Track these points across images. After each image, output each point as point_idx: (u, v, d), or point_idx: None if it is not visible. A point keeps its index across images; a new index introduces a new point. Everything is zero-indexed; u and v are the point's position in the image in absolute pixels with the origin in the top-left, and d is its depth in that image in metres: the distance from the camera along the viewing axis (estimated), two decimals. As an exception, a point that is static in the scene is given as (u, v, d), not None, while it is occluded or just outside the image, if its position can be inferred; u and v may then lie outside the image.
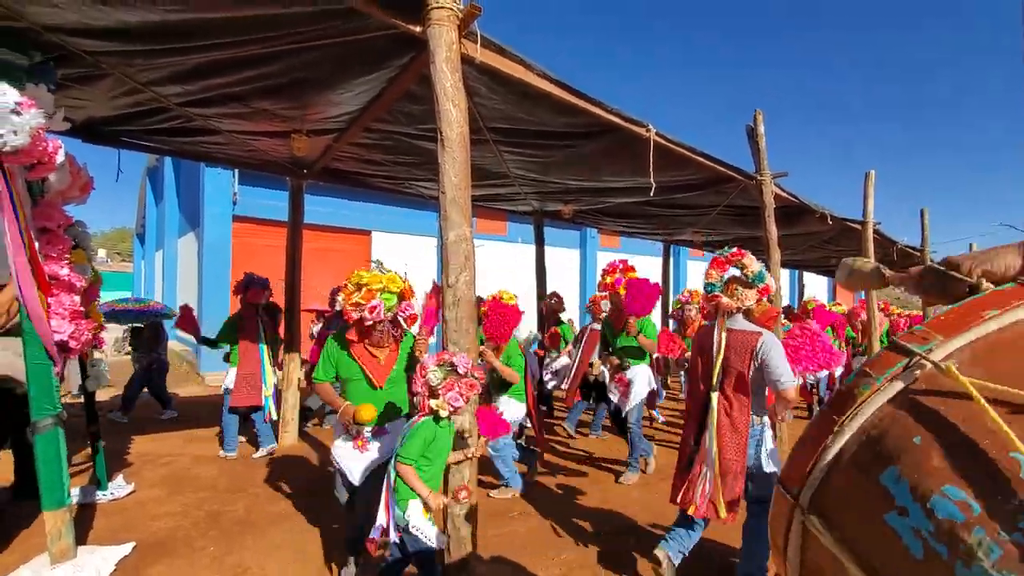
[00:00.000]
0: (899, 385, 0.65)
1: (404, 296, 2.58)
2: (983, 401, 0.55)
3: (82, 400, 3.93)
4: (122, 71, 3.13)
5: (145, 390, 6.31)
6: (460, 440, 2.39)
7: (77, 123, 3.83)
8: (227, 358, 5.02)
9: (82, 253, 3.15)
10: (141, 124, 4.12)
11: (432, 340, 2.92)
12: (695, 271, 17.60)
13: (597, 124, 3.80)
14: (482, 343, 3.72)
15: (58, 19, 2.57)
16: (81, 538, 2.96)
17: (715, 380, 2.47)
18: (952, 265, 0.79)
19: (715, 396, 2.46)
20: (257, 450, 4.91)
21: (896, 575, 0.56)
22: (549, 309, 6.10)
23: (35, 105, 2.40)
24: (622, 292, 4.15)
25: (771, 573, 2.51)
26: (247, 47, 2.88)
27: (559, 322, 6.62)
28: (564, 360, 6.52)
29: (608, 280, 4.28)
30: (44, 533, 2.63)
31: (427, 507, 2.06)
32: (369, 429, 2.59)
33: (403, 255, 11.07)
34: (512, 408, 3.85)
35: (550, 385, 6.02)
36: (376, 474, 2.64)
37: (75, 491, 3.51)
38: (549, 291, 6.97)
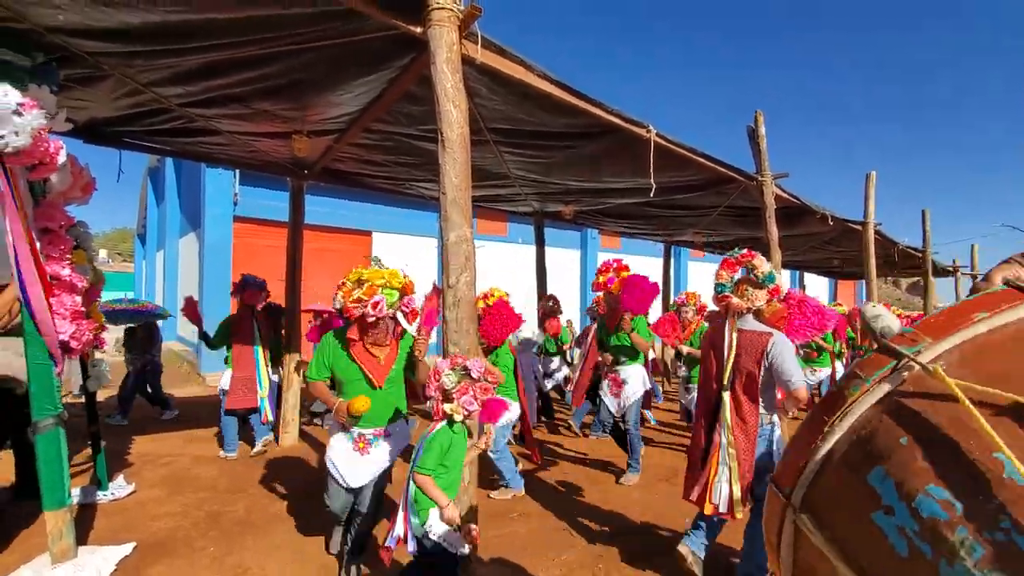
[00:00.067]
0: (887, 387, 0.66)
1: (406, 291, 2.53)
2: (968, 403, 0.56)
3: (83, 400, 3.94)
4: (123, 72, 3.14)
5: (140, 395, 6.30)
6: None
7: (79, 124, 3.84)
8: (227, 360, 5.03)
9: (83, 253, 3.16)
10: (143, 125, 4.13)
11: (432, 340, 2.91)
12: (696, 272, 17.61)
13: (597, 125, 3.81)
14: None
15: (60, 20, 2.58)
16: (82, 538, 2.97)
17: (726, 379, 2.50)
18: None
19: (726, 395, 2.50)
20: (253, 448, 4.91)
21: (883, 573, 0.57)
22: (546, 311, 6.12)
23: (37, 106, 2.41)
24: (615, 291, 4.15)
25: (771, 574, 2.51)
26: (247, 48, 2.89)
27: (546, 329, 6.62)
28: (556, 362, 6.53)
29: (601, 279, 4.28)
30: (45, 533, 2.64)
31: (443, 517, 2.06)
32: (371, 431, 2.57)
33: (403, 255, 11.07)
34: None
35: (548, 386, 6.03)
36: (376, 480, 2.63)
37: (76, 491, 3.52)
38: (549, 292, 6.97)
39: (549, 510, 3.70)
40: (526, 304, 6.31)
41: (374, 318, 2.43)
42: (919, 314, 10.34)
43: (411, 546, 2.08)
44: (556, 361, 6.56)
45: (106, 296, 5.30)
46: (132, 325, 6.26)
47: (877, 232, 7.25)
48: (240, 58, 3.00)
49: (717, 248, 10.05)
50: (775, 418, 2.55)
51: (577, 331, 8.63)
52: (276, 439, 5.29)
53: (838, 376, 5.68)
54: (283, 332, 5.35)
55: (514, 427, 4.28)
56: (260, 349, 4.89)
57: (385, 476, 2.68)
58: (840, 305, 7.93)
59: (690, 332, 5.02)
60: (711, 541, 2.68)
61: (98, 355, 3.98)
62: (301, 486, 4.05)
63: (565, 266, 14.60)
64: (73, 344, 2.76)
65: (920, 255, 9.44)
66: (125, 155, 4.51)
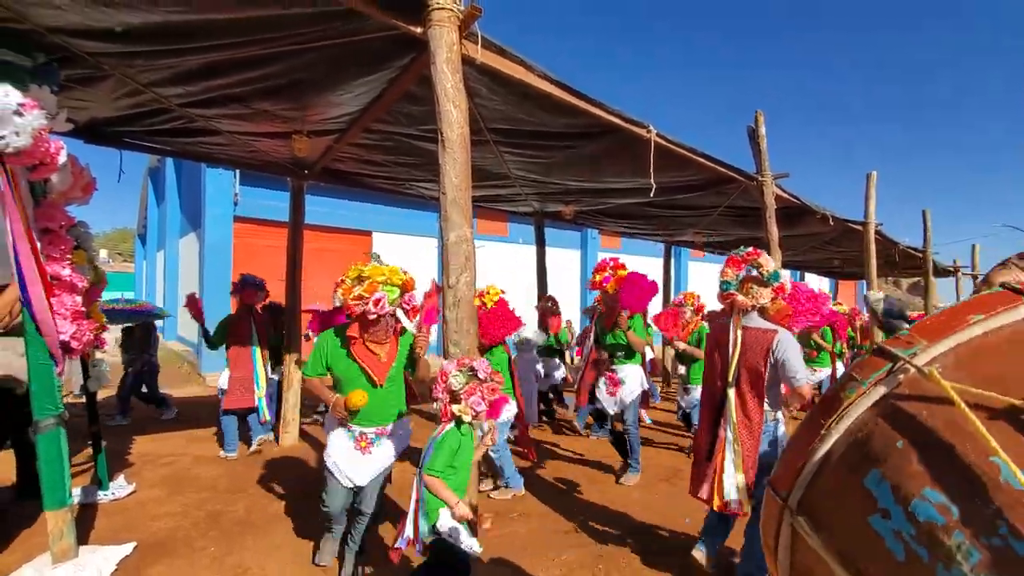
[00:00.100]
0: (883, 389, 0.66)
1: (406, 288, 2.52)
2: (964, 406, 0.56)
3: (83, 400, 3.94)
4: (123, 72, 3.14)
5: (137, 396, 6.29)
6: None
7: (80, 124, 3.84)
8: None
9: (83, 254, 3.16)
10: (143, 125, 4.13)
11: (432, 339, 2.91)
12: (696, 272, 17.60)
13: (598, 125, 3.81)
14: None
15: (61, 20, 2.58)
16: (82, 538, 2.97)
17: (731, 376, 2.52)
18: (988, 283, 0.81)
19: (731, 392, 2.52)
20: (250, 447, 4.92)
21: (879, 575, 0.57)
22: (543, 311, 6.12)
23: (38, 106, 2.41)
24: (610, 290, 4.15)
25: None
26: (247, 48, 2.89)
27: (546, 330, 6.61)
28: (555, 363, 6.52)
29: (597, 278, 4.28)
30: (46, 533, 2.64)
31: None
32: (373, 430, 2.56)
33: (403, 256, 11.08)
34: None
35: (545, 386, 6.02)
36: (377, 479, 2.63)
37: (76, 491, 3.52)
38: (548, 294, 6.97)
39: (549, 510, 3.70)
40: (527, 304, 6.32)
41: (375, 315, 2.41)
42: (920, 314, 10.33)
43: (420, 548, 2.08)
44: (555, 362, 6.56)
45: (105, 296, 5.30)
46: (129, 325, 6.26)
47: (878, 232, 7.25)
48: (240, 58, 3.00)
49: (717, 248, 10.05)
50: (779, 415, 2.57)
51: (577, 331, 8.62)
52: (276, 439, 5.30)
53: (838, 376, 5.69)
54: (283, 331, 5.35)
55: (512, 426, 4.28)
56: (258, 349, 4.89)
57: (386, 475, 2.68)
58: (840, 304, 7.93)
59: (688, 332, 5.02)
60: (720, 544, 2.70)
61: (98, 355, 3.98)
62: (301, 486, 4.05)
63: (565, 266, 14.60)
64: (74, 344, 2.76)
65: (921, 255, 9.43)
66: (125, 155, 4.51)
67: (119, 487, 3.86)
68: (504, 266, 12.58)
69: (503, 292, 4.08)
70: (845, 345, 7.23)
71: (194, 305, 4.71)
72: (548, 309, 6.05)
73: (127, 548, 2.98)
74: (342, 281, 2.48)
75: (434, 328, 2.71)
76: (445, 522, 2.03)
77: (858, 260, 7.93)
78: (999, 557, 0.47)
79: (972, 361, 0.62)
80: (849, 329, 7.41)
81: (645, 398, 4.52)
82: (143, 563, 2.88)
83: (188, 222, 12.83)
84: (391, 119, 3.94)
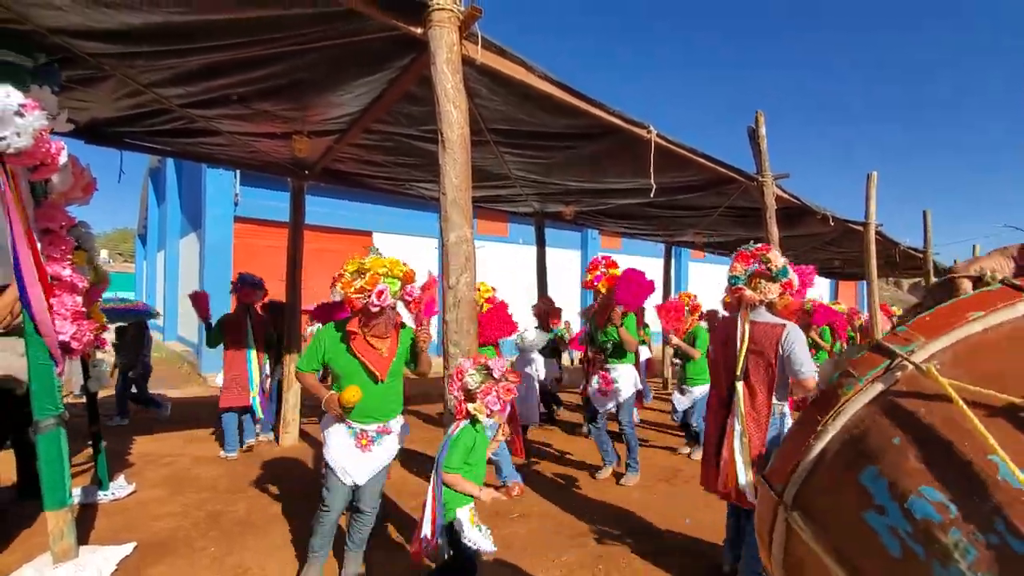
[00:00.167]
0: (880, 386, 0.66)
1: (407, 280, 2.48)
2: (962, 403, 0.55)
3: (84, 400, 3.94)
4: (124, 73, 3.15)
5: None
6: None
7: (80, 124, 3.85)
8: None
9: (83, 254, 3.17)
10: (144, 125, 4.14)
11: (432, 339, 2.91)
12: (696, 273, 17.60)
13: (598, 125, 3.81)
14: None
15: (62, 21, 2.59)
16: (83, 538, 2.97)
17: (739, 370, 2.54)
18: (953, 271, 0.81)
19: (740, 385, 2.55)
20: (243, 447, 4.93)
21: (875, 572, 0.57)
22: (545, 311, 6.13)
23: (39, 107, 2.42)
24: (602, 288, 4.16)
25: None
26: (248, 49, 2.89)
27: (548, 328, 6.61)
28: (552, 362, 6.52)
29: (589, 277, 4.29)
30: (46, 533, 2.64)
31: (475, 514, 2.10)
32: (374, 428, 2.52)
33: (403, 256, 11.06)
34: None
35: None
36: (378, 476, 2.61)
37: (77, 491, 3.52)
38: (548, 294, 6.97)
39: (549, 510, 3.70)
40: (527, 305, 6.32)
41: (378, 307, 2.36)
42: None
43: (433, 546, 2.10)
44: (552, 362, 6.56)
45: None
46: (123, 324, 6.23)
47: (878, 233, 7.24)
48: (241, 59, 3.00)
49: (718, 249, 10.05)
50: (785, 408, 2.59)
51: (575, 331, 8.61)
52: (276, 439, 5.30)
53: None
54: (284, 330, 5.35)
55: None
56: (253, 348, 4.90)
57: (385, 473, 2.66)
58: (839, 304, 7.93)
59: (683, 331, 5.05)
60: (740, 549, 2.72)
61: (100, 355, 3.98)
62: (302, 486, 4.05)
63: (565, 266, 14.59)
64: (74, 344, 2.76)
65: (921, 256, 9.43)
66: (126, 156, 4.52)
67: (119, 487, 3.86)
68: (504, 266, 12.58)
69: (494, 289, 4.09)
70: (845, 345, 7.23)
71: (200, 301, 4.72)
72: (550, 307, 6.07)
73: (127, 548, 2.98)
74: (340, 275, 2.43)
75: (433, 329, 2.70)
76: (462, 523, 2.06)
77: (858, 261, 7.93)
78: (996, 555, 0.47)
79: (971, 358, 0.62)
80: (848, 329, 7.41)
81: (638, 398, 4.53)
82: (143, 563, 2.88)
83: (188, 222, 12.84)
84: (391, 119, 3.94)
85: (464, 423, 2.14)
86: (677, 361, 5.19)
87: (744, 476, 2.47)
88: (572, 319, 8.65)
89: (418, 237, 12.09)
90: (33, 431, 2.61)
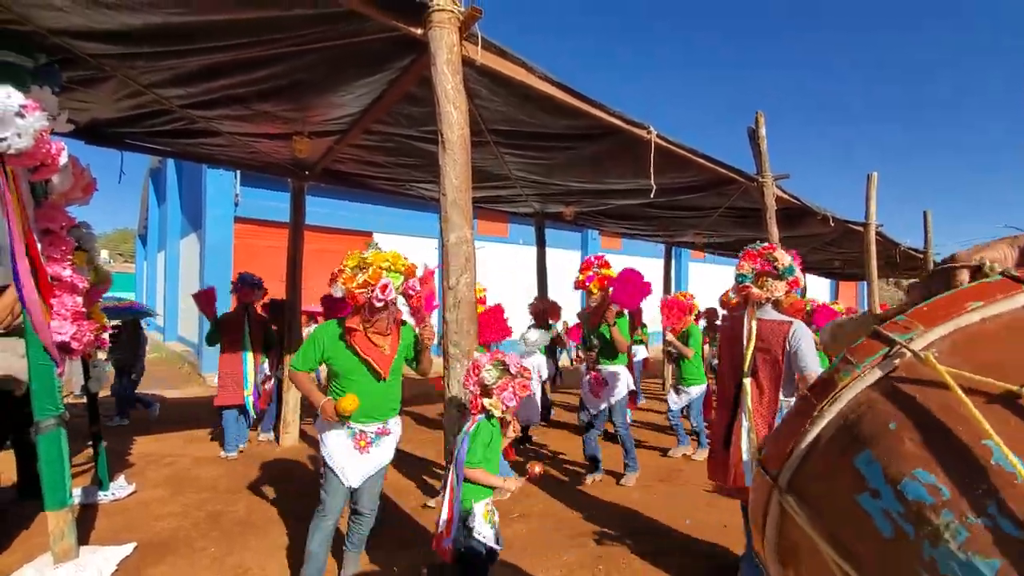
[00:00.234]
0: (878, 373, 0.67)
1: (409, 274, 2.46)
2: (958, 390, 0.56)
3: (84, 401, 3.95)
4: (125, 73, 3.16)
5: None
6: None
7: (81, 125, 3.85)
8: None
9: (83, 254, 3.17)
10: (144, 126, 4.15)
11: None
12: (696, 273, 17.60)
13: (598, 126, 3.81)
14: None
15: (63, 22, 2.59)
16: (83, 538, 2.97)
17: (747, 367, 2.57)
18: (954, 260, 0.81)
19: (747, 382, 2.57)
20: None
21: (866, 553, 0.58)
22: (537, 310, 6.14)
23: (39, 107, 2.42)
24: (594, 289, 4.16)
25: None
26: (248, 50, 2.90)
27: (547, 326, 6.62)
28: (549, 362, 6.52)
29: (581, 277, 4.29)
30: (47, 533, 2.65)
31: (491, 510, 2.13)
32: (374, 429, 2.49)
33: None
34: None
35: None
36: (375, 478, 2.60)
37: (77, 491, 3.53)
38: (547, 295, 6.97)
39: (549, 510, 3.70)
40: (527, 305, 6.33)
41: (382, 302, 2.33)
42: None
43: (447, 543, 2.11)
44: (548, 361, 6.57)
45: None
46: (117, 324, 6.17)
47: (878, 233, 7.25)
48: (241, 59, 3.01)
49: (718, 249, 10.05)
50: (791, 401, 2.59)
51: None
52: (276, 439, 5.31)
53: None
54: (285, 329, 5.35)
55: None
56: (249, 347, 4.90)
57: (383, 474, 2.65)
58: (837, 303, 7.95)
59: (679, 330, 5.06)
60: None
61: (100, 355, 3.99)
62: (302, 486, 4.05)
63: (565, 267, 14.57)
64: (74, 345, 2.77)
65: (922, 256, 9.43)
66: (126, 156, 4.53)
67: (119, 487, 3.86)
68: (504, 267, 12.59)
69: (485, 290, 4.08)
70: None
71: (205, 298, 4.72)
72: (547, 305, 6.07)
73: (128, 548, 2.98)
74: (341, 271, 2.40)
75: (434, 312, 2.68)
76: (476, 519, 2.09)
77: (859, 261, 7.93)
78: (987, 535, 0.48)
79: (969, 347, 0.62)
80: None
81: (632, 398, 4.54)
82: (144, 563, 2.89)
83: (189, 223, 12.85)
84: (391, 120, 3.95)
85: (480, 418, 2.16)
86: (672, 351, 5.21)
87: (752, 475, 2.48)
88: (572, 320, 8.66)
89: (418, 237, 12.10)
90: (33, 431, 2.62)
